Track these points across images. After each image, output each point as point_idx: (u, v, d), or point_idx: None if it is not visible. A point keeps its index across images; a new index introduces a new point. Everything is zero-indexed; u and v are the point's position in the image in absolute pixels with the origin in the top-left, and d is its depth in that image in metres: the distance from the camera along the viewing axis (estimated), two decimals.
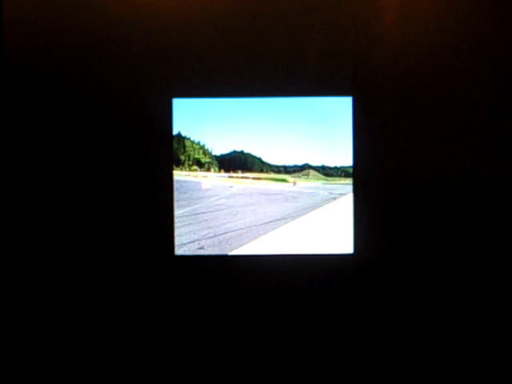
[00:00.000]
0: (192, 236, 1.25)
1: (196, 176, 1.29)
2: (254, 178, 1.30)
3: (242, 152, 1.28)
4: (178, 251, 1.23)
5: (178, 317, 1.20)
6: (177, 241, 1.23)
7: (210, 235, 1.26)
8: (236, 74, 1.21)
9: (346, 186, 1.21)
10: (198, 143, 1.28)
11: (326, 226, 1.23)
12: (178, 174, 1.25)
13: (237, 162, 1.30)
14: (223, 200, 1.33)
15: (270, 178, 1.29)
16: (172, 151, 1.21)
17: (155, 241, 1.20)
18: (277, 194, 1.29)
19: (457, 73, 1.17)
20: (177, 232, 1.23)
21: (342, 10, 1.16)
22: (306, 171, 1.24)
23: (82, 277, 1.18)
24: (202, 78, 1.21)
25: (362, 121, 1.16)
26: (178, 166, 1.25)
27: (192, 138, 1.26)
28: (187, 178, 1.29)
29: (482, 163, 1.17)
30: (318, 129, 1.20)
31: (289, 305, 1.21)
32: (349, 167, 1.20)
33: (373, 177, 1.19)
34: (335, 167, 1.21)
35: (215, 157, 1.28)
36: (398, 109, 1.17)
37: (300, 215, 1.26)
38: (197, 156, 1.29)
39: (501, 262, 1.19)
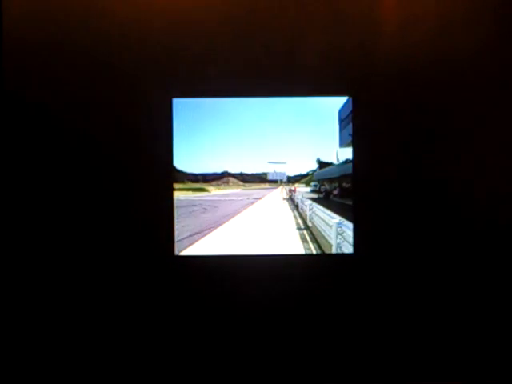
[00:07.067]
0: None
1: None
2: None
3: None
4: None
5: (177, 316, 1.20)
6: None
7: None
8: (236, 74, 1.18)
9: (261, 191, 1.27)
10: None
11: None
12: None
13: None
14: None
15: (186, 188, 1.18)
16: (172, 152, 1.18)
17: (155, 241, 1.19)
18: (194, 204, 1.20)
19: (455, 74, 1.18)
20: None
21: (342, 11, 1.16)
22: (225, 179, 1.21)
23: (83, 276, 1.19)
24: (202, 78, 1.17)
25: (361, 121, 1.18)
26: None
27: None
28: None
29: (482, 163, 1.19)
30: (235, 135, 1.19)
31: (289, 304, 1.20)
32: (262, 174, 1.25)
33: (372, 177, 1.20)
34: (252, 174, 1.24)
35: None
36: (397, 109, 1.18)
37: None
38: None
39: (501, 266, 1.20)
